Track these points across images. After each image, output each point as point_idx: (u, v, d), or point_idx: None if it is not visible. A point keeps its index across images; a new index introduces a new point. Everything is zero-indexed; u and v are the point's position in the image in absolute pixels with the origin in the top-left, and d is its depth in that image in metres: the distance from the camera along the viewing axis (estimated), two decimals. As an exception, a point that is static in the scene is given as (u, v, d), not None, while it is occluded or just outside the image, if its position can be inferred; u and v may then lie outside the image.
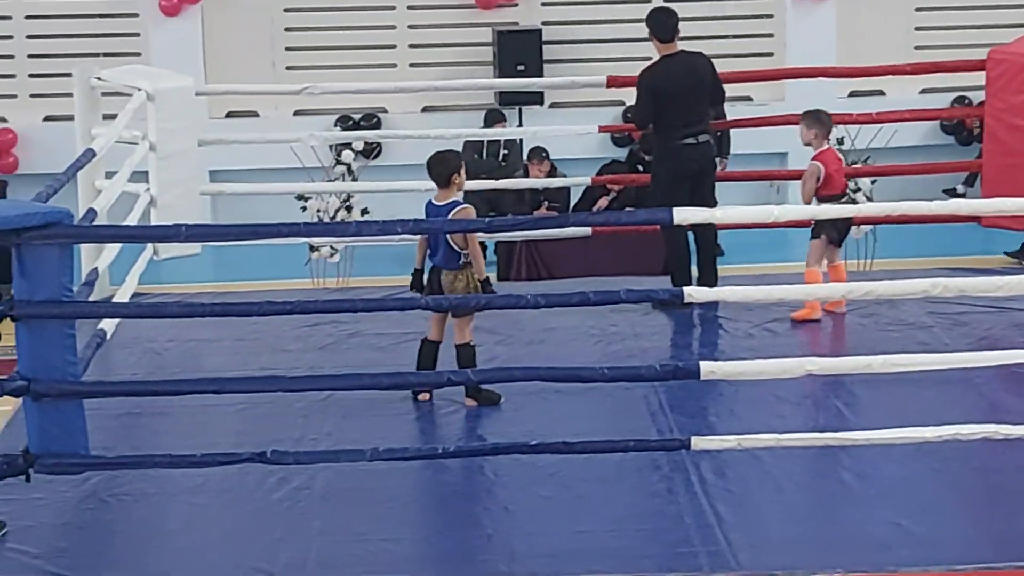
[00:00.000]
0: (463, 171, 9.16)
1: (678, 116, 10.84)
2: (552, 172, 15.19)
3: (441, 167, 9.16)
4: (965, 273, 10.72)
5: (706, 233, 11.08)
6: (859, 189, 13.48)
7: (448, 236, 8.97)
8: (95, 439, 7.54)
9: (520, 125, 17.53)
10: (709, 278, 10.93)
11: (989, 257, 13.94)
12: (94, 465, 7.67)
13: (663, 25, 11.07)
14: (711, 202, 10.89)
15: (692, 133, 10.87)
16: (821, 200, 10.68)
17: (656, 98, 10.87)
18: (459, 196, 9.17)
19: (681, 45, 11.09)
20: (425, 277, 9.22)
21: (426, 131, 13.10)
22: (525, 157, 15.25)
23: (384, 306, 9.29)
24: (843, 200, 10.72)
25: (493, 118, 15.89)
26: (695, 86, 10.96)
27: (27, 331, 7.21)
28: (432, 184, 9.18)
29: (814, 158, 10.62)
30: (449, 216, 9.01)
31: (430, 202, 9.21)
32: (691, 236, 11.01)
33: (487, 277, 9.10)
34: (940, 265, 12.66)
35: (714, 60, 11.05)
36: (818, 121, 10.77)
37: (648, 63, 11.10)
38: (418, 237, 9.30)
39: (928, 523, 7.52)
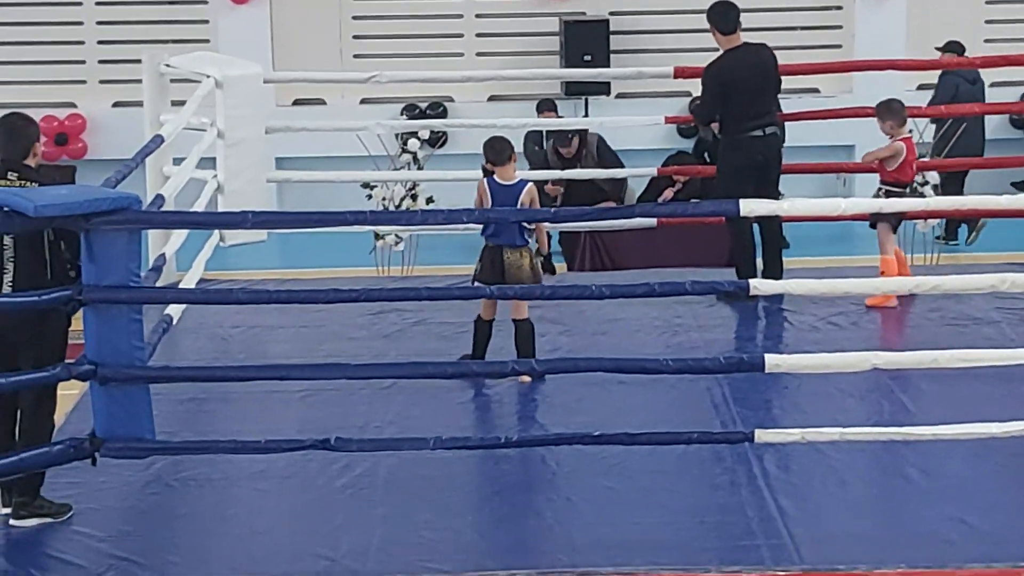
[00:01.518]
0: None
1: (745, 109, 10.83)
2: (581, 148, 15.03)
3: (501, 145, 9.32)
4: (1034, 268, 10.65)
5: (772, 225, 11.05)
6: (927, 182, 13.39)
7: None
8: (160, 424, 7.58)
9: (586, 115, 17.51)
10: (775, 270, 10.90)
11: (1058, 252, 13.84)
12: (159, 450, 7.72)
13: (725, 17, 11.04)
14: (776, 194, 10.86)
15: (759, 125, 10.85)
16: (888, 185, 10.71)
17: (723, 92, 10.85)
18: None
19: (748, 37, 11.05)
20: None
21: (492, 120, 13.10)
22: (550, 143, 15.15)
23: (449, 295, 9.29)
24: (909, 190, 10.78)
25: (544, 107, 15.79)
26: (762, 78, 10.94)
27: (95, 316, 7.25)
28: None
29: (894, 143, 10.75)
30: (521, 194, 9.16)
31: (493, 180, 9.25)
32: (757, 228, 10.99)
33: (549, 253, 9.19)
34: (1008, 260, 12.58)
35: (782, 51, 11.00)
36: (890, 111, 10.88)
37: (713, 57, 11.07)
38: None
39: (993, 520, 7.48)
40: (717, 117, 11.22)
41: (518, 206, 9.29)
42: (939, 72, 15.89)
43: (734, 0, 11.06)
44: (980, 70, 16.15)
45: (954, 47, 16.02)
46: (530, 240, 9.37)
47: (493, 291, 8.33)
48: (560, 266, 14.08)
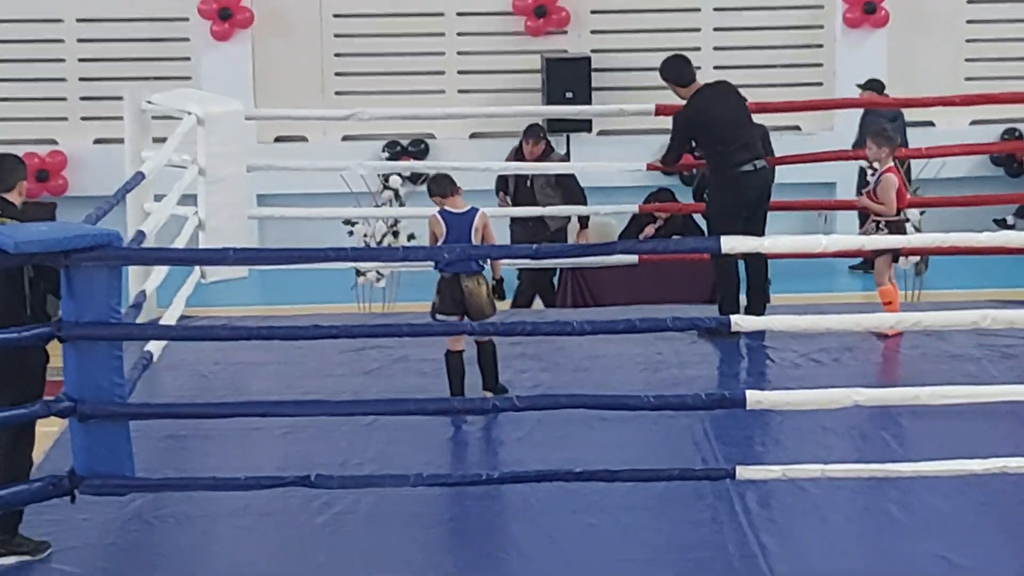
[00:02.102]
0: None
1: (728, 144, 10.84)
2: (547, 151, 14.94)
3: (445, 180, 9.64)
4: (1014, 305, 10.66)
5: (756, 262, 11.04)
6: (908, 220, 13.44)
7: (476, 241, 9.33)
8: (140, 461, 7.56)
9: (567, 151, 17.54)
10: (757, 307, 10.91)
11: (1039, 290, 13.90)
12: (139, 487, 7.70)
13: (680, 73, 11.15)
14: (763, 230, 10.89)
15: (749, 159, 10.87)
16: (883, 216, 10.79)
17: (702, 129, 10.90)
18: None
19: (728, 77, 11.11)
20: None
21: (472, 163, 13.20)
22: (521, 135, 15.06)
23: (430, 331, 9.31)
24: (901, 217, 10.88)
25: (531, 134, 15.69)
26: (733, 111, 10.98)
27: (74, 352, 7.24)
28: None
29: (883, 173, 10.78)
30: (475, 220, 9.39)
31: (446, 211, 9.48)
32: (742, 264, 11.01)
33: (501, 278, 9.30)
34: (989, 297, 12.60)
35: (764, 89, 11.05)
36: (889, 140, 10.97)
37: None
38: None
39: (975, 556, 7.48)
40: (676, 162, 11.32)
41: (473, 232, 9.42)
42: (861, 112, 16.00)
43: (685, 55, 11.21)
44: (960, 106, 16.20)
45: (874, 85, 16.05)
46: (484, 266, 9.44)
47: (474, 327, 8.33)
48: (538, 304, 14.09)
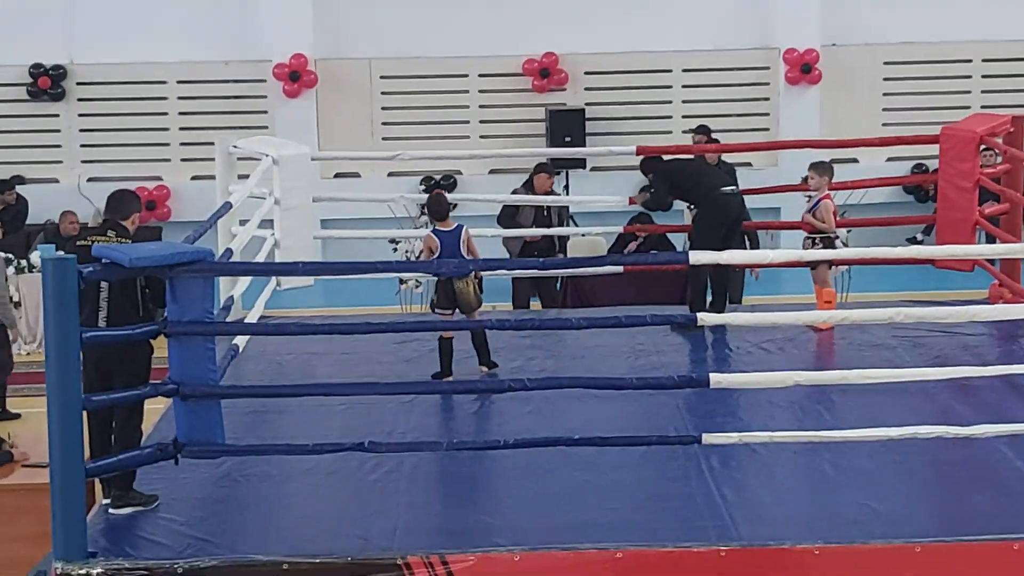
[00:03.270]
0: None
1: (708, 180, 10.93)
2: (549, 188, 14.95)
3: (441, 204, 9.64)
4: (922, 304, 10.64)
5: (721, 272, 10.99)
6: (837, 236, 13.41)
7: (466, 251, 9.45)
8: (229, 431, 7.54)
9: (567, 186, 17.52)
10: (719, 306, 10.88)
11: (942, 292, 13.83)
12: (228, 451, 7.68)
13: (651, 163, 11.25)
14: (740, 245, 10.91)
15: (726, 184, 10.96)
16: (818, 234, 10.77)
17: (680, 172, 10.99)
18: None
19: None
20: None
21: (490, 195, 13.24)
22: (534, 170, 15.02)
23: (458, 326, 9.30)
24: (835, 236, 10.87)
25: (542, 169, 15.62)
26: (705, 163, 11.09)
27: (177, 345, 7.23)
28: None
29: (821, 199, 10.77)
30: (462, 235, 9.48)
31: (438, 231, 9.53)
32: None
33: (481, 278, 9.45)
34: (902, 298, 12.57)
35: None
36: (828, 170, 10.97)
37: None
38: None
39: (892, 504, 7.45)
40: (666, 205, 11.32)
41: (461, 245, 9.48)
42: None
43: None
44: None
45: (704, 130, 15.95)
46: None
47: (492, 323, 8.28)
48: (535, 304, 14.05)
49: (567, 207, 14.76)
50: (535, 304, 14.15)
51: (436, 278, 9.57)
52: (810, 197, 11.28)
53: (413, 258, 13.95)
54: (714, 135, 16.57)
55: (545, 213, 14.19)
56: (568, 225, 14.84)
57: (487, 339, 9.68)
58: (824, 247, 10.73)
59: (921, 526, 7.20)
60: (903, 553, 6.94)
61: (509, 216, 14.20)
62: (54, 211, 17.29)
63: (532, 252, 13.83)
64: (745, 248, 11.43)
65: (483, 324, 8.88)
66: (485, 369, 9.60)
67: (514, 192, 14.58)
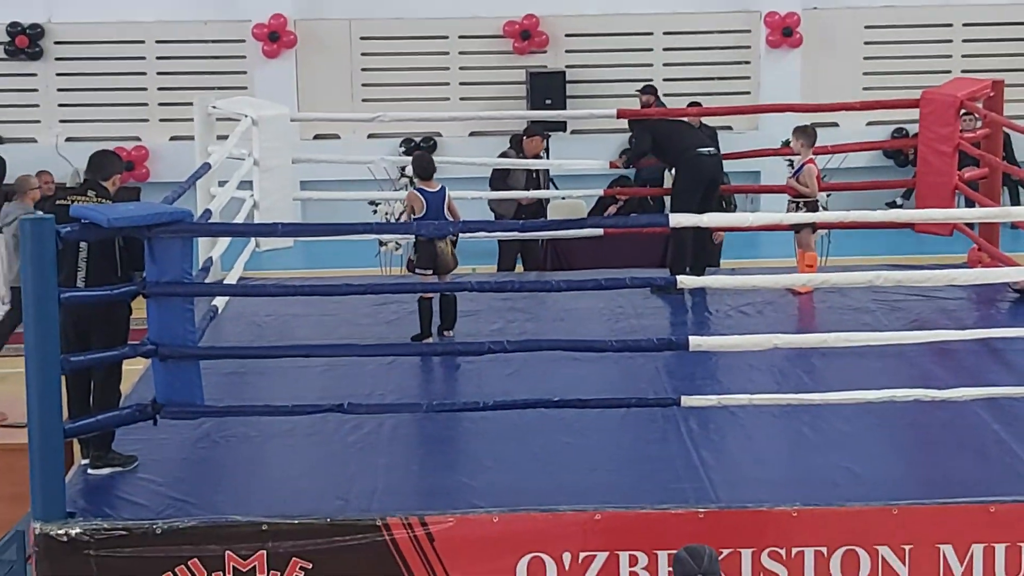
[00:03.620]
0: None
1: (687, 140, 10.91)
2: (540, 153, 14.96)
3: (429, 163, 9.63)
4: (901, 268, 10.66)
5: (700, 234, 10.99)
6: (818, 200, 13.43)
7: (448, 212, 9.42)
8: (208, 392, 7.53)
9: (547, 149, 17.47)
10: (699, 269, 10.87)
11: (921, 256, 13.86)
12: (207, 412, 7.66)
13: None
14: (717, 207, 10.89)
15: (704, 145, 10.92)
16: (802, 198, 10.76)
17: (660, 130, 10.96)
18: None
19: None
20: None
21: (471, 159, 13.20)
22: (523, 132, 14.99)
23: (436, 288, 9.29)
24: (817, 199, 10.88)
25: (534, 131, 15.57)
26: (688, 124, 11.10)
27: (155, 306, 7.21)
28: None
29: (804, 163, 10.76)
30: (445, 197, 9.48)
31: (423, 190, 9.49)
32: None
33: (456, 239, 9.68)
34: (882, 262, 12.59)
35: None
36: (806, 134, 10.94)
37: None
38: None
39: (870, 466, 7.48)
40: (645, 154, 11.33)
41: (446, 206, 9.47)
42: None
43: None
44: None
45: (649, 90, 15.97)
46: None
47: (473, 284, 8.26)
48: (519, 268, 14.07)
49: (547, 170, 14.76)
50: (519, 268, 14.15)
51: (416, 238, 9.53)
52: (792, 162, 11.28)
53: (393, 220, 13.92)
54: (695, 99, 16.57)
55: (535, 176, 14.19)
56: (549, 188, 14.83)
57: (456, 304, 9.66)
58: (808, 211, 10.73)
59: (899, 488, 7.23)
60: (880, 515, 6.97)
61: (500, 179, 14.19)
62: (32, 171, 17.14)
63: (524, 216, 13.83)
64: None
65: (464, 287, 8.86)
66: (449, 333, 9.58)
67: (503, 155, 14.56)
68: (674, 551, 5.70)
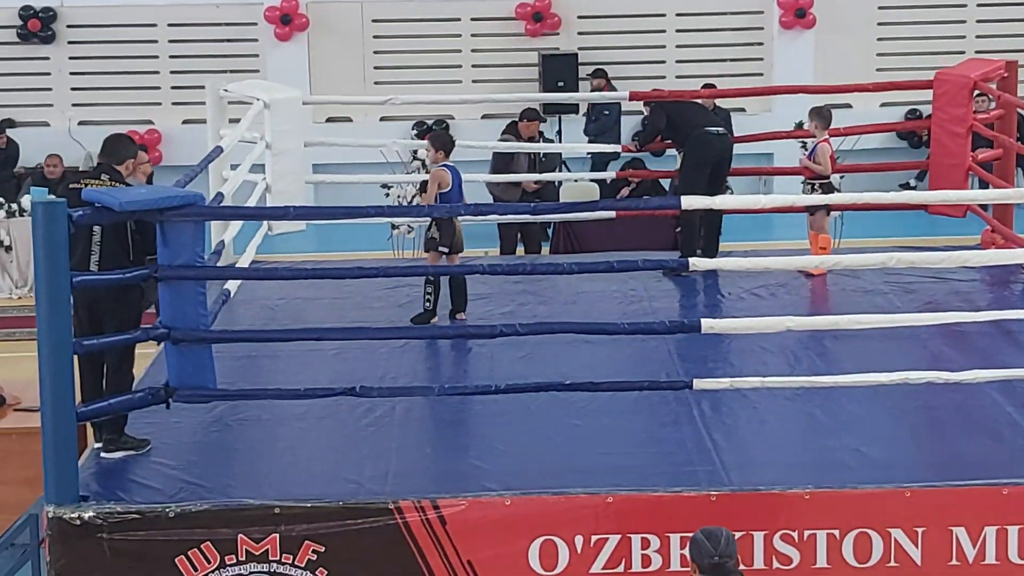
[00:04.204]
0: None
1: (698, 119, 10.90)
2: (536, 136, 14.98)
3: (451, 140, 9.67)
4: (915, 250, 10.62)
5: (712, 216, 10.98)
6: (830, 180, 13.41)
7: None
8: (221, 376, 7.54)
9: (559, 131, 17.47)
10: (711, 251, 10.86)
11: (935, 238, 13.82)
12: (220, 396, 7.68)
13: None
14: (724, 189, 10.86)
15: (714, 124, 10.91)
16: (817, 179, 10.72)
17: (674, 110, 10.95)
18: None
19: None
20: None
21: (483, 142, 13.19)
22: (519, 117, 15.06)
23: (450, 271, 9.29)
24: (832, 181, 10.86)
25: (528, 116, 15.61)
26: (702, 106, 11.10)
27: (168, 290, 7.22)
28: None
29: (819, 143, 10.74)
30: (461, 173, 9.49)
31: (447, 166, 9.49)
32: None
33: None
34: (895, 244, 12.56)
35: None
36: (821, 116, 10.91)
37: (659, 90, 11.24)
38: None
39: (882, 450, 7.47)
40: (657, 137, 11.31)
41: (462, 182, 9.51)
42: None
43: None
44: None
45: (600, 74, 15.99)
46: None
47: (484, 267, 8.22)
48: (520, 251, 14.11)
49: (559, 153, 14.78)
50: (520, 251, 14.15)
51: (436, 218, 9.46)
52: (806, 144, 11.25)
53: (405, 203, 13.93)
54: (709, 81, 16.54)
55: (543, 158, 14.21)
56: (561, 171, 14.84)
57: (466, 285, 9.68)
58: (823, 192, 10.70)
59: (911, 471, 7.22)
60: (893, 498, 6.97)
61: (504, 164, 14.19)
62: (45, 155, 17.23)
63: (528, 201, 13.85)
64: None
65: (476, 269, 8.84)
66: (463, 316, 9.56)
67: (502, 138, 14.57)
68: (687, 534, 5.71)
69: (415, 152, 14.80)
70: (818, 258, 9.37)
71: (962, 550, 6.98)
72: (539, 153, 14.24)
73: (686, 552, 6.83)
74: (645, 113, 11.47)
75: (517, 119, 14.74)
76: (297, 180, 11.37)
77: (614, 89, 15.71)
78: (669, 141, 11.42)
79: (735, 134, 11.92)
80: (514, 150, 14.03)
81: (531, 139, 14.50)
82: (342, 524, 6.85)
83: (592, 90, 15.38)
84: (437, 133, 9.88)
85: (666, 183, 15.32)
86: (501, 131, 15.42)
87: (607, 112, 17.14)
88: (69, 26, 18.49)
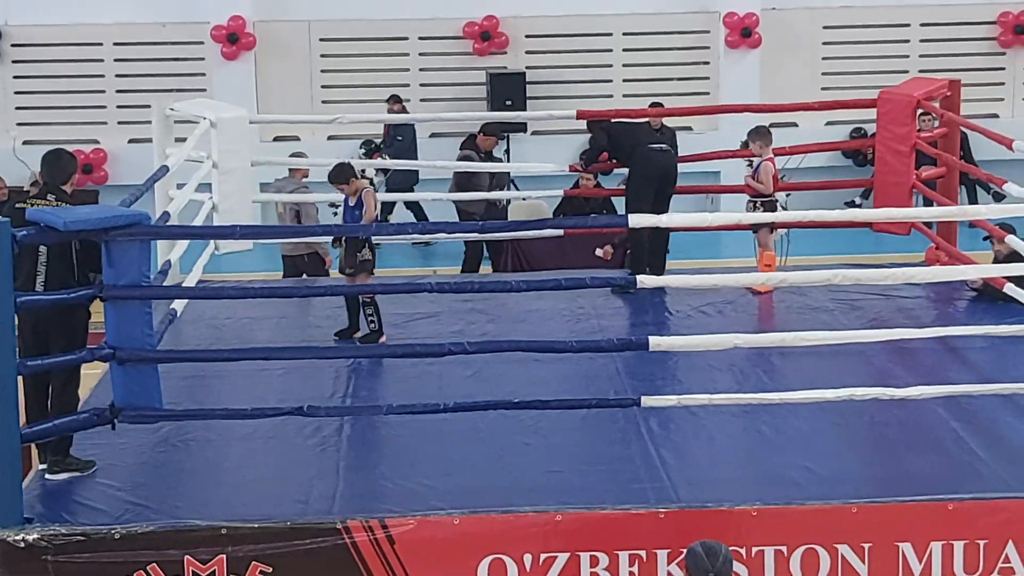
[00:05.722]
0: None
1: (641, 137, 10.96)
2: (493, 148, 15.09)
3: (342, 173, 9.67)
4: (860, 267, 10.71)
5: (658, 234, 11.02)
6: (777, 200, 13.47)
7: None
8: (167, 396, 7.50)
9: (508, 150, 17.48)
10: (658, 269, 10.90)
11: (880, 255, 13.93)
12: (166, 416, 7.64)
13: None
14: (668, 207, 10.91)
15: (658, 141, 10.97)
16: (760, 198, 10.78)
17: (614, 128, 11.00)
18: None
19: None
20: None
21: (429, 162, 13.17)
22: (478, 129, 15.14)
23: (397, 290, 9.28)
24: (774, 198, 10.90)
25: (489, 130, 15.60)
26: (640, 126, 11.18)
27: (113, 310, 7.18)
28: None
29: (762, 162, 10.80)
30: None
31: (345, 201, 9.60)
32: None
33: None
34: (840, 261, 12.65)
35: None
36: (760, 135, 10.98)
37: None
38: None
39: (829, 466, 7.52)
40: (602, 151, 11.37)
41: None
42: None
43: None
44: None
45: (395, 99, 16.56)
46: None
47: (433, 286, 8.20)
48: (486, 268, 14.10)
49: (508, 172, 14.82)
50: (486, 268, 14.15)
51: (356, 241, 9.41)
52: (751, 162, 11.32)
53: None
54: (656, 100, 16.60)
55: (495, 175, 14.28)
56: (509, 188, 14.87)
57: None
58: (765, 210, 10.77)
59: (858, 487, 7.27)
60: (840, 514, 7.01)
61: (467, 179, 14.23)
62: (-11, 174, 17.07)
63: (494, 216, 13.88)
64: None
65: (424, 288, 8.82)
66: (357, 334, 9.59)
67: (462, 153, 14.62)
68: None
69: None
70: (764, 275, 9.42)
71: (908, 566, 7.02)
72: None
73: (635, 570, 6.86)
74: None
75: (475, 133, 14.78)
76: (244, 199, 11.32)
77: (407, 112, 16.08)
78: (615, 161, 11.48)
79: (681, 152, 11.97)
80: (470, 169, 14.07)
81: (488, 152, 14.55)
82: (290, 544, 6.83)
83: (388, 112, 15.81)
84: (343, 166, 9.82)
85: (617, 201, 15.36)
86: (460, 145, 15.43)
87: (400, 138, 17.29)
88: (14, 45, 18.34)
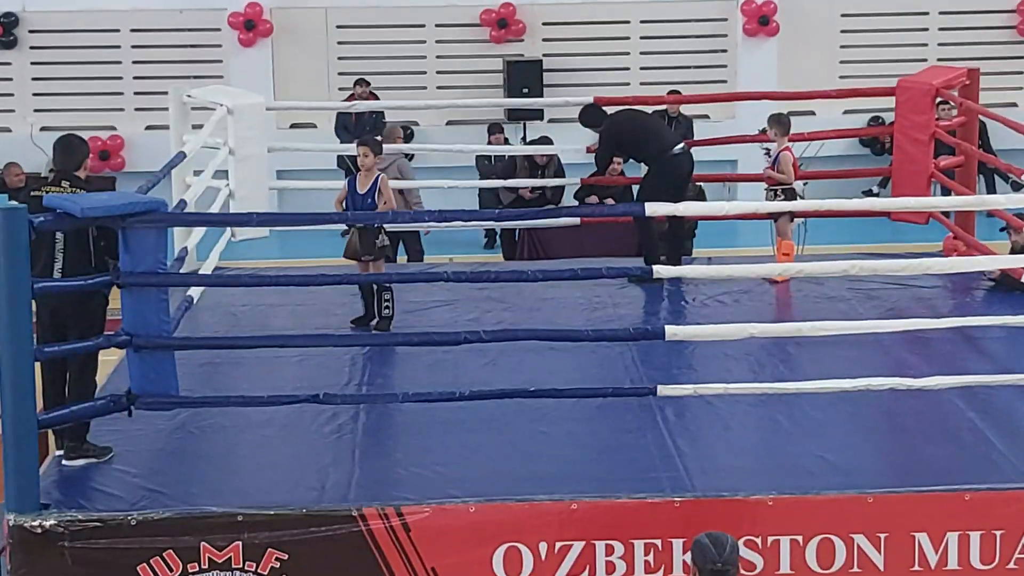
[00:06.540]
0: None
1: (659, 141, 10.84)
2: (550, 162, 15.13)
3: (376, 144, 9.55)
4: (877, 257, 10.69)
5: (676, 224, 10.97)
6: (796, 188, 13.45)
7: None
8: (183, 383, 7.52)
9: (524, 136, 17.48)
10: (675, 259, 10.87)
11: (897, 244, 13.89)
12: (183, 403, 7.66)
13: (595, 117, 11.11)
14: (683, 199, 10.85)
15: (676, 143, 10.88)
16: (779, 186, 10.74)
17: (629, 140, 10.91)
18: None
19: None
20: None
21: (447, 146, 13.15)
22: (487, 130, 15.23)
23: (413, 278, 9.29)
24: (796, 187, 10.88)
25: (494, 130, 15.75)
26: (653, 121, 11.06)
27: (130, 297, 7.19)
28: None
29: (781, 151, 10.74)
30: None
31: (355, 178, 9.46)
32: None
33: None
34: (858, 251, 12.62)
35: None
36: (780, 123, 10.92)
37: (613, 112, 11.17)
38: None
39: (845, 456, 7.51)
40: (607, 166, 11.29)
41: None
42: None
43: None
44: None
45: (363, 82, 16.61)
46: None
47: (449, 275, 8.20)
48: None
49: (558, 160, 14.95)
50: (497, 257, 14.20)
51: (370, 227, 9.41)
52: (768, 150, 11.29)
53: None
54: (673, 87, 16.58)
55: (540, 173, 14.36)
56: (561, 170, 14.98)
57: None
58: (786, 199, 10.73)
59: (874, 477, 7.26)
60: (856, 503, 7.00)
61: (509, 170, 14.33)
62: (5, 161, 17.13)
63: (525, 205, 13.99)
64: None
65: (440, 276, 8.84)
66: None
67: (493, 139, 14.75)
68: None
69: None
70: (781, 265, 9.40)
71: (924, 556, 7.02)
72: (543, 166, 14.40)
73: (650, 558, 6.87)
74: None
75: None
76: (260, 186, 11.33)
77: (376, 98, 16.06)
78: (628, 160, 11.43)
79: (698, 139, 11.92)
80: (489, 153, 14.12)
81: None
82: (305, 532, 6.84)
83: (356, 97, 15.74)
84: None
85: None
86: (489, 132, 15.46)
87: (368, 129, 17.32)
88: (31, 31, 18.39)
